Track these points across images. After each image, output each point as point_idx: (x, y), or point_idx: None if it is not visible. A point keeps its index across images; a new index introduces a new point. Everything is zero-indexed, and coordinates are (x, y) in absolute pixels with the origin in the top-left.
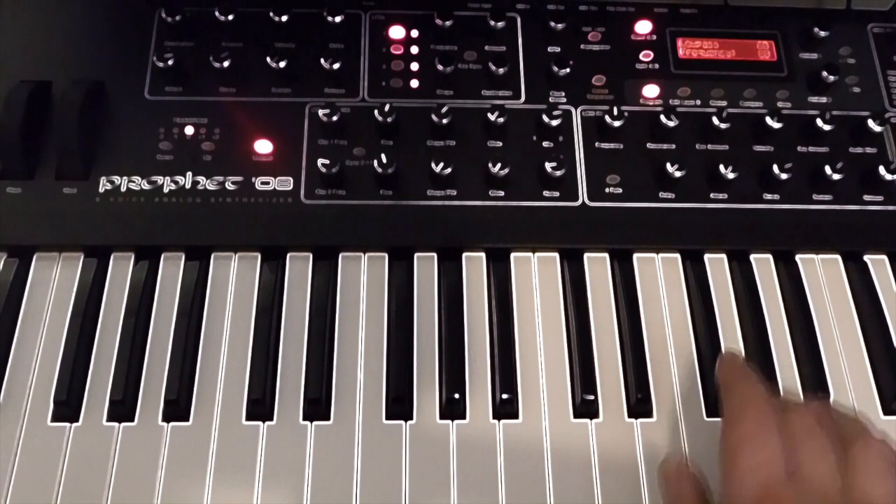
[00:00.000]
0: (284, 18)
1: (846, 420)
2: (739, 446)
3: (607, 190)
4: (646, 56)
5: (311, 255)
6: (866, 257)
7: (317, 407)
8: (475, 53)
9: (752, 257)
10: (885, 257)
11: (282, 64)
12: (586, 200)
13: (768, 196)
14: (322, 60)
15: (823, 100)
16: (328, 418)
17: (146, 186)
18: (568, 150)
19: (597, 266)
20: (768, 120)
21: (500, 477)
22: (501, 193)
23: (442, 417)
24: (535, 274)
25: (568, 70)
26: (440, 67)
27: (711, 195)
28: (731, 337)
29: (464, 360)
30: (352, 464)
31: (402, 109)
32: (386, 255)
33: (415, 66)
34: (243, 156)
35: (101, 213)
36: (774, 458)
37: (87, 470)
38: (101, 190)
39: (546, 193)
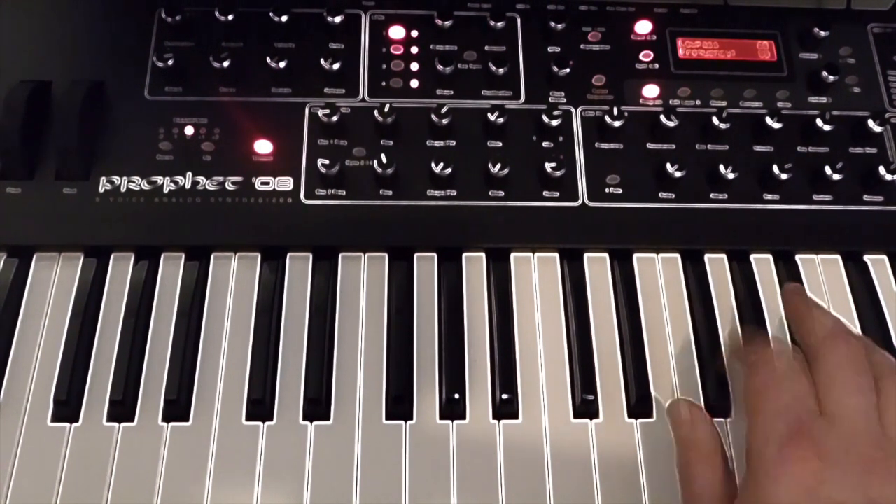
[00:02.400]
0: (284, 18)
1: (880, 356)
2: (764, 389)
3: (607, 190)
4: (646, 56)
5: (311, 255)
6: (866, 257)
7: (317, 407)
8: (475, 53)
9: (752, 257)
10: (885, 257)
11: (282, 64)
12: (586, 200)
13: (768, 196)
14: (322, 60)
15: (823, 100)
16: (328, 418)
17: (146, 186)
18: (568, 150)
19: (597, 266)
20: (768, 120)
21: (500, 477)
22: (501, 193)
23: (442, 417)
24: (535, 274)
25: (568, 70)
26: (440, 67)
27: (711, 195)
28: (732, 337)
29: (464, 360)
30: (352, 464)
31: (402, 109)
32: (386, 255)
33: (415, 66)
34: (243, 156)
35: (101, 213)
36: (803, 396)
37: (87, 470)
38: (101, 190)
39: (546, 193)
